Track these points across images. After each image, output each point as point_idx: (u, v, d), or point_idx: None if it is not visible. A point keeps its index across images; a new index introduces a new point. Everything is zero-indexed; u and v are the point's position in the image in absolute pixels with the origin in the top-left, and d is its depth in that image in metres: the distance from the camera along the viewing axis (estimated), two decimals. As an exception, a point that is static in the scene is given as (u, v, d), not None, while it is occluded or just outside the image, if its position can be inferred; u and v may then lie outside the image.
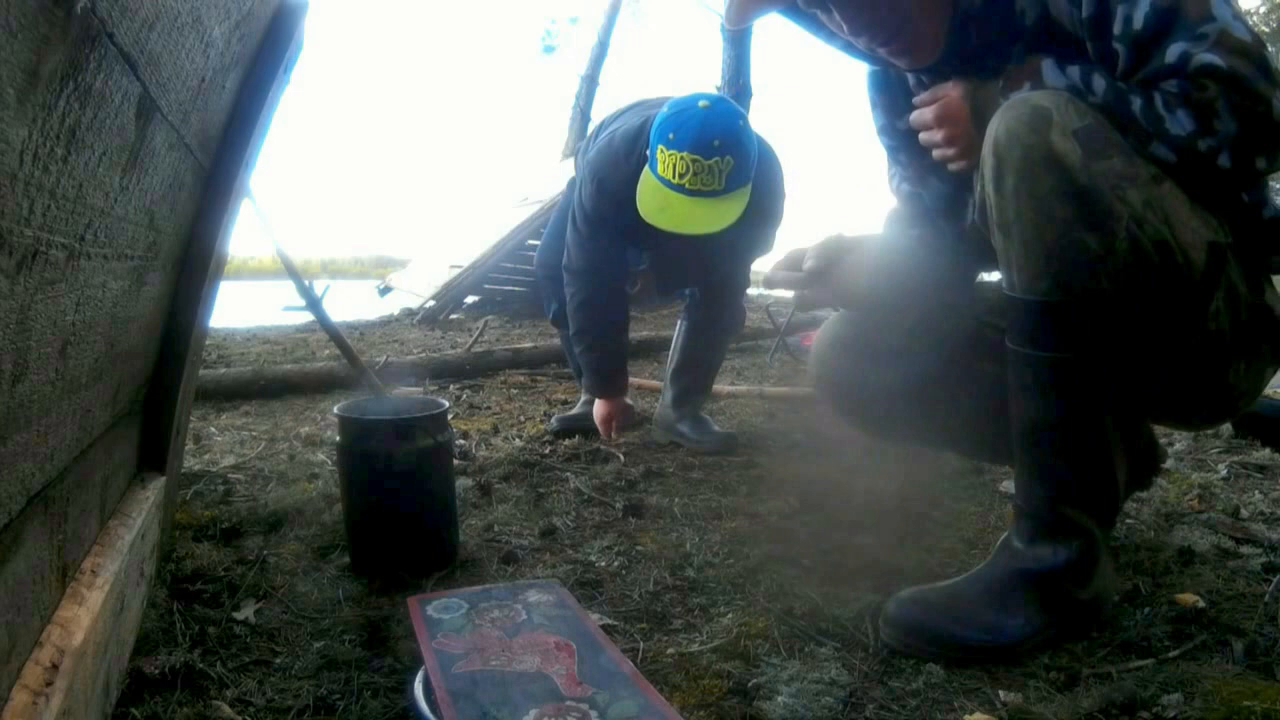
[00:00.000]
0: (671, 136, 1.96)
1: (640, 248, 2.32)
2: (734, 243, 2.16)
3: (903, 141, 1.40)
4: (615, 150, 2.16)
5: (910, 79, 1.34)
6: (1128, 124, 1.04)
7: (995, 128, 1.07)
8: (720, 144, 1.95)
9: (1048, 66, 1.10)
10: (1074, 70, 1.09)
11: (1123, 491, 1.17)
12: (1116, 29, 1.06)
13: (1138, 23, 1.04)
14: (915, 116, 1.26)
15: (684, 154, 1.94)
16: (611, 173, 2.14)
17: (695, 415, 2.35)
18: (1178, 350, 1.14)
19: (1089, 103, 1.06)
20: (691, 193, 1.97)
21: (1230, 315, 1.12)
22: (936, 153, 1.25)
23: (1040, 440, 1.13)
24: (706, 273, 2.31)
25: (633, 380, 3.30)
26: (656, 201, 2.02)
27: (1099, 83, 1.07)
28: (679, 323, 2.50)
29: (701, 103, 1.99)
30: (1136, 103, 1.04)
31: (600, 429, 2.36)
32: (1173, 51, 1.02)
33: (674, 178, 1.97)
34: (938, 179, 1.34)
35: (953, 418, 1.37)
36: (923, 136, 1.25)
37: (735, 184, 1.99)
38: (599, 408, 2.35)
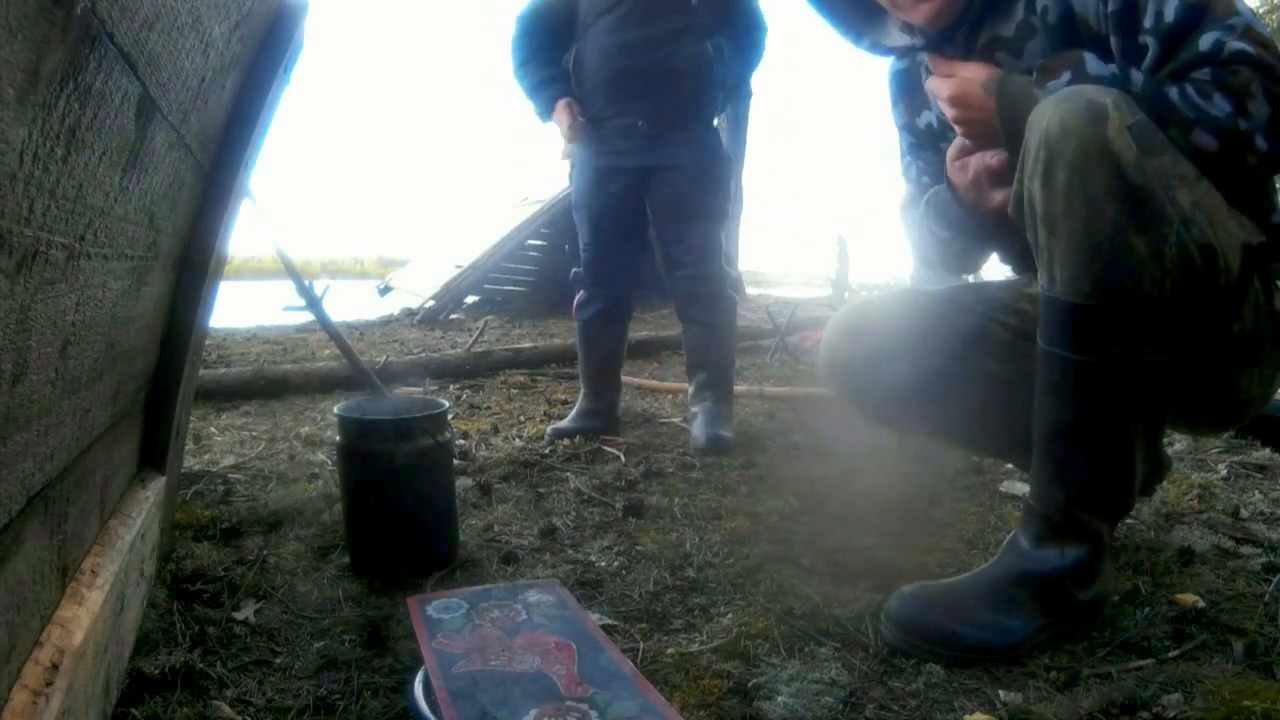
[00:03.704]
0: None
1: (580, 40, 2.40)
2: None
3: (924, 139, 1.42)
4: None
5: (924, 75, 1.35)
6: (1168, 114, 1.03)
7: (1048, 119, 1.03)
8: None
9: (1090, 58, 1.09)
10: (1110, 63, 1.08)
11: (1135, 497, 1.17)
12: (1147, 23, 1.07)
13: (1169, 16, 1.06)
14: (932, 83, 1.23)
15: None
16: None
17: (708, 412, 2.37)
18: (1199, 354, 1.13)
19: (1131, 93, 1.04)
20: None
21: (1253, 320, 1.12)
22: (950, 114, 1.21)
23: (1065, 442, 1.11)
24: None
25: (633, 380, 3.30)
26: None
27: (1136, 75, 1.07)
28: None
29: None
30: (1174, 92, 1.04)
31: (565, 126, 2.39)
32: (1205, 40, 1.04)
33: None
34: None
35: (958, 413, 1.37)
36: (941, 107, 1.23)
37: None
38: (557, 114, 2.40)
